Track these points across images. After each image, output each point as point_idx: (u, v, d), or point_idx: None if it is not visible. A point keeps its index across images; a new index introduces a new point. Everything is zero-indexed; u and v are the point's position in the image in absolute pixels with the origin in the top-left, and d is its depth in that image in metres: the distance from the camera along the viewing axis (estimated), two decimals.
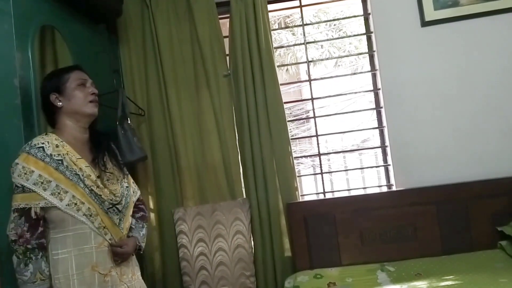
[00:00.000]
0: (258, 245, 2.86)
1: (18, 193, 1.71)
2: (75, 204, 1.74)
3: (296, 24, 4.82)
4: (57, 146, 1.78)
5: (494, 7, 2.94)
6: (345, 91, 3.31)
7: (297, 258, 2.83)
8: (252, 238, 2.88)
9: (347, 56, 5.99)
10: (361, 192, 3.35)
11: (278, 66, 3.05)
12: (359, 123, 4.19)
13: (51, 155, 1.75)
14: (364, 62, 5.90)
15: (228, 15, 3.01)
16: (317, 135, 3.16)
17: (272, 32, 3.01)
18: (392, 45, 3.00)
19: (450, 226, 2.81)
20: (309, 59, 3.20)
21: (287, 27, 5.95)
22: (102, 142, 1.95)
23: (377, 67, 3.06)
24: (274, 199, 2.89)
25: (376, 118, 3.18)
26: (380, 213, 2.85)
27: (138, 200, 2.09)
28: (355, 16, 3.37)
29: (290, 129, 3.07)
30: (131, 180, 2.09)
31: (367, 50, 3.17)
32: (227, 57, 3.01)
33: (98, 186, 1.81)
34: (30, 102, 1.94)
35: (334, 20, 4.74)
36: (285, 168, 2.92)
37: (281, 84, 3.04)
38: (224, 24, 3.09)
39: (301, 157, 4.40)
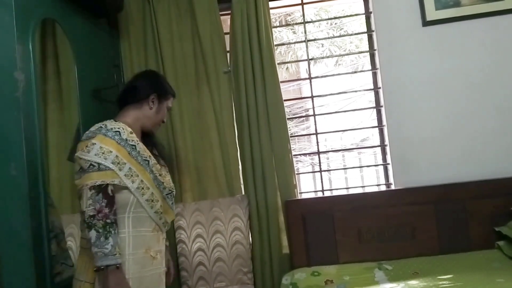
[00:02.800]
0: (256, 242, 2.87)
1: (94, 171, 1.79)
2: (142, 188, 1.88)
3: (297, 22, 4.81)
4: (131, 132, 1.92)
5: (495, 8, 2.94)
6: (345, 89, 3.30)
7: (294, 255, 2.84)
8: (250, 235, 2.89)
9: (347, 54, 5.99)
10: (359, 190, 3.35)
11: (278, 64, 3.05)
12: (358, 122, 4.20)
13: (126, 139, 1.88)
14: (364, 61, 5.90)
15: (229, 12, 3.01)
16: (316, 133, 3.16)
17: (273, 30, 3.01)
18: (393, 44, 3.00)
19: (447, 226, 2.82)
20: (310, 57, 3.20)
21: (288, 24, 5.95)
22: (151, 139, 2.12)
23: (377, 66, 3.06)
24: (273, 196, 2.89)
25: (376, 117, 3.18)
26: (378, 212, 2.85)
27: None
28: (356, 15, 3.37)
29: (289, 127, 3.07)
30: None
31: (367, 49, 3.17)
32: (228, 54, 3.01)
33: (160, 174, 1.99)
34: (30, 95, 1.94)
35: (335, 18, 4.74)
36: (284, 166, 2.92)
37: (281, 82, 3.04)
38: (225, 21, 3.10)
39: (300, 155, 4.40)
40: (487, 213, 2.80)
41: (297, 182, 3.00)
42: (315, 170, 3.19)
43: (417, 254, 2.77)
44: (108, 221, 1.76)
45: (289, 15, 6.30)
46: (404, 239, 2.82)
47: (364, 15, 3.18)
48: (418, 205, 2.84)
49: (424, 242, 2.81)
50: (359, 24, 3.53)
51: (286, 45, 6.31)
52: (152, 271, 1.93)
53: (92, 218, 1.75)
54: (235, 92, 2.96)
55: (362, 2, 3.17)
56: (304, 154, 4.83)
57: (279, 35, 6.65)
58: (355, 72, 3.51)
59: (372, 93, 3.19)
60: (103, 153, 1.81)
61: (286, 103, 3.02)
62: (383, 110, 3.05)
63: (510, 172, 2.86)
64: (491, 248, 2.76)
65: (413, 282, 2.40)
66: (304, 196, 3.20)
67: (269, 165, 2.89)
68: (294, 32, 6.80)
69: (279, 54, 6.54)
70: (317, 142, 3.18)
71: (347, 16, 3.65)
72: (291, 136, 3.04)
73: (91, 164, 1.79)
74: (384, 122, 3.05)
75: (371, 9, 3.08)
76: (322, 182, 3.17)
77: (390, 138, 3.01)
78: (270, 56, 2.92)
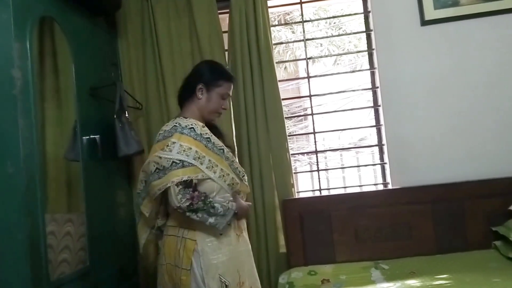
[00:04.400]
0: (253, 241, 2.86)
1: (178, 168, 1.92)
2: (223, 176, 2.03)
3: (295, 21, 4.81)
4: (203, 126, 2.04)
5: (493, 7, 2.94)
6: (343, 89, 3.30)
7: (291, 254, 2.84)
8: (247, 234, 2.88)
9: (346, 53, 5.99)
10: (357, 190, 3.35)
11: (277, 63, 3.05)
12: (356, 121, 4.19)
13: (200, 134, 2.00)
14: (363, 61, 5.89)
15: (227, 10, 3.01)
16: (314, 132, 3.16)
17: (272, 29, 3.00)
18: (391, 43, 3.00)
19: (445, 225, 2.82)
20: (308, 57, 3.20)
21: (286, 23, 5.94)
22: (215, 130, 2.18)
23: (376, 65, 3.06)
24: (270, 195, 2.89)
25: (374, 117, 3.18)
26: (376, 211, 2.86)
27: None
28: (355, 14, 3.37)
29: (287, 126, 3.07)
30: None
31: (366, 49, 3.17)
32: (226, 53, 3.01)
33: (233, 160, 2.13)
34: (27, 93, 1.93)
35: (333, 17, 4.74)
36: (282, 165, 2.92)
37: (280, 81, 3.04)
38: (224, 20, 3.09)
39: (298, 154, 4.40)
40: (484, 213, 2.81)
41: (294, 181, 2.99)
42: (313, 169, 3.18)
43: (414, 253, 2.77)
44: (202, 197, 1.93)
45: (288, 14, 6.29)
46: (401, 239, 2.83)
47: (362, 15, 3.18)
48: (415, 204, 2.84)
49: (421, 241, 2.81)
50: (358, 23, 3.52)
51: (284, 45, 6.30)
52: (241, 247, 2.12)
53: (191, 206, 1.90)
54: (233, 90, 2.94)
55: (361, 2, 3.17)
56: (302, 153, 4.83)
57: (278, 34, 6.63)
58: (353, 71, 3.50)
59: (370, 93, 3.19)
60: (184, 150, 1.93)
61: (284, 102, 3.02)
62: (380, 109, 3.05)
63: (507, 172, 2.86)
64: (488, 248, 2.77)
65: (409, 281, 2.41)
66: (302, 195, 3.20)
67: (266, 164, 2.89)
68: (293, 32, 6.79)
69: (278, 53, 6.53)
70: (315, 141, 3.18)
71: (345, 15, 3.64)
72: (289, 135, 3.04)
73: (173, 162, 1.92)
74: (382, 122, 3.05)
75: (369, 9, 3.08)
76: (319, 181, 3.17)
77: (388, 138, 3.01)
78: (268, 55, 2.92)
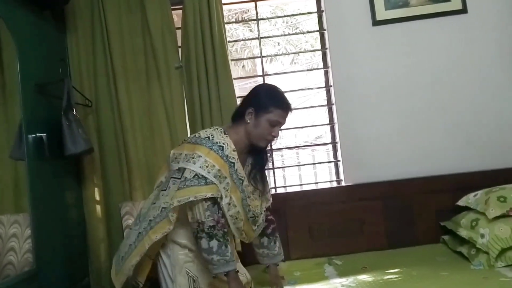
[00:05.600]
0: None
1: (202, 185, 1.87)
2: (229, 204, 1.94)
3: (251, 19, 4.80)
4: (233, 150, 1.98)
5: (442, 8, 3.02)
6: (299, 87, 3.32)
7: (246, 252, 2.83)
8: None
9: (300, 52, 6.04)
10: (313, 187, 3.38)
11: (232, 60, 3.03)
12: (313, 120, 4.24)
13: (227, 156, 1.95)
14: (319, 60, 5.98)
15: (181, 6, 2.96)
16: None
17: (229, 27, 2.98)
18: (344, 42, 3.04)
19: (395, 221, 2.89)
20: (263, 55, 3.20)
21: (241, 21, 5.94)
22: (261, 159, 2.12)
23: (329, 64, 3.10)
24: None
25: (328, 115, 3.22)
26: (329, 208, 2.90)
27: (267, 209, 2.23)
28: (308, 13, 3.39)
29: None
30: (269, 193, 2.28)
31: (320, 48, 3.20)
32: (179, 49, 2.96)
33: (249, 197, 2.04)
34: None
35: (287, 16, 4.76)
36: None
37: (235, 79, 3.02)
38: (177, 15, 3.04)
39: None
40: (433, 209, 2.90)
41: None
42: (269, 167, 3.19)
43: (366, 249, 2.83)
44: (226, 230, 1.90)
45: (246, 12, 6.30)
46: (354, 235, 2.88)
47: (316, 14, 3.20)
48: (367, 201, 2.90)
49: (372, 237, 2.87)
50: (314, 23, 3.56)
51: (242, 43, 6.30)
52: None
53: (212, 229, 1.86)
54: (187, 88, 2.92)
55: (315, 1, 3.20)
56: None
57: (235, 32, 6.64)
58: (308, 70, 3.53)
59: (325, 91, 3.22)
60: (207, 166, 1.89)
61: (239, 100, 3.00)
62: (334, 108, 3.09)
63: (455, 168, 2.95)
64: (436, 242, 2.86)
65: (361, 277, 2.44)
66: None
67: None
68: (250, 30, 6.81)
69: (235, 51, 6.52)
70: None
71: (299, 14, 3.66)
72: None
73: (196, 175, 1.88)
74: (336, 120, 3.09)
75: (323, 8, 3.11)
76: (275, 179, 3.18)
77: (341, 136, 3.05)
78: (223, 52, 2.90)
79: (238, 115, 2.07)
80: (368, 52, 3.03)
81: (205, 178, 1.87)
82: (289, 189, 3.43)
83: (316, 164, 3.48)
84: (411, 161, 3.00)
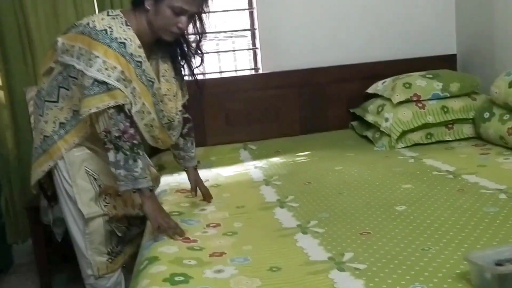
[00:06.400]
0: None
1: (103, 91, 1.56)
2: (143, 112, 1.67)
3: None
4: (139, 46, 1.63)
5: None
6: None
7: None
8: None
9: None
10: (230, 75, 3.35)
11: None
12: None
13: (131, 54, 1.61)
14: None
15: None
16: None
17: None
18: None
19: (309, 108, 2.99)
20: None
21: None
22: (173, 50, 1.79)
23: None
24: None
25: (247, 1, 3.12)
26: (246, 96, 2.93)
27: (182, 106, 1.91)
28: None
29: None
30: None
31: None
32: None
33: (162, 100, 1.75)
34: None
35: None
36: None
37: None
38: None
39: None
40: (344, 96, 3.02)
41: None
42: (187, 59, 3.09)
43: (280, 135, 2.94)
44: (135, 142, 1.60)
45: None
46: (269, 121, 2.96)
47: None
48: (283, 88, 2.95)
49: (287, 123, 2.98)
50: None
51: None
52: None
53: (118, 140, 1.58)
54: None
55: None
56: None
57: None
58: None
59: None
60: (106, 69, 1.55)
61: None
62: None
63: (365, 58, 3.05)
64: (346, 128, 3.02)
65: (274, 159, 2.56)
66: None
67: None
68: None
69: None
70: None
71: None
72: None
73: (95, 81, 1.55)
74: (255, 5, 3.01)
75: None
76: (191, 66, 3.10)
77: (260, 23, 3.00)
78: None
79: (136, 2, 1.68)
80: None
81: (106, 83, 1.55)
82: (207, 76, 3.39)
83: (236, 52, 3.41)
84: (326, 50, 3.04)
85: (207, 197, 1.95)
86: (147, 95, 1.68)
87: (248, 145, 2.82)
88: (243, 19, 3.17)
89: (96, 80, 1.55)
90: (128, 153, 1.59)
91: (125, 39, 1.60)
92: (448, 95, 2.61)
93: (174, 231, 1.58)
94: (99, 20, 1.61)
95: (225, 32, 3.27)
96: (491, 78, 2.52)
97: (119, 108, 1.58)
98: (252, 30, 3.11)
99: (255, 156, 2.64)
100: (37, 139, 1.76)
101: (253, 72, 3.16)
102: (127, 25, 1.63)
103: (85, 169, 1.73)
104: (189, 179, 2.00)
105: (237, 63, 3.65)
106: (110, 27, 1.59)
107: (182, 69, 1.88)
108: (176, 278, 1.28)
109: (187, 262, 1.39)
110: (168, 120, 1.79)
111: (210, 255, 1.43)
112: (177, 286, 1.24)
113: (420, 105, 2.58)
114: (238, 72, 3.27)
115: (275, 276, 1.28)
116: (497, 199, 1.69)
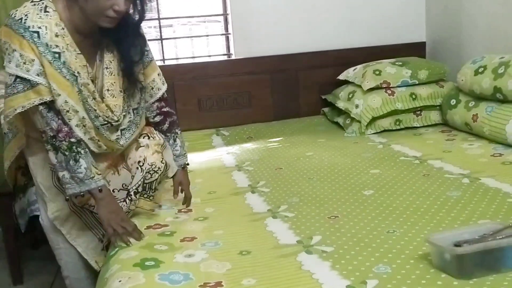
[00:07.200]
0: None
1: (28, 89, 1.40)
2: (67, 111, 1.45)
3: None
4: (56, 35, 1.42)
5: None
6: None
7: None
8: None
9: None
10: (202, 60, 3.34)
11: None
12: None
13: (47, 44, 1.41)
14: None
15: None
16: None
17: None
18: None
19: (281, 94, 3.02)
20: None
21: None
22: (126, 51, 1.55)
23: None
24: None
25: None
26: (219, 81, 2.93)
27: (158, 100, 1.74)
28: None
29: None
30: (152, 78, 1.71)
31: None
32: None
33: (94, 98, 1.51)
34: None
35: None
36: None
37: None
38: None
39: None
40: (316, 83, 3.05)
41: None
42: (156, 38, 3.07)
43: (253, 121, 2.95)
44: (73, 140, 1.46)
45: None
46: (242, 107, 2.98)
47: None
48: (255, 74, 2.96)
49: (259, 109, 2.99)
50: None
51: None
52: None
53: (54, 140, 1.44)
54: None
55: None
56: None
57: None
58: None
59: None
60: (24, 63, 1.38)
61: None
62: None
63: (337, 45, 3.08)
64: (317, 114, 3.06)
65: (246, 145, 2.58)
66: None
67: None
68: None
69: None
70: (158, 10, 3.02)
71: None
72: None
73: (17, 78, 1.39)
74: None
75: None
76: (163, 50, 3.09)
77: (232, 8, 2.99)
78: None
79: None
80: None
81: (28, 80, 1.39)
82: (180, 61, 3.37)
83: (209, 38, 3.39)
84: (299, 36, 3.05)
85: (186, 201, 1.75)
86: (70, 91, 1.45)
87: (220, 131, 2.83)
88: (217, 4, 3.15)
89: (17, 76, 1.40)
90: (67, 153, 1.45)
91: (39, 27, 1.40)
92: (417, 82, 2.67)
93: (130, 236, 1.47)
94: (21, 9, 1.43)
95: (198, 17, 3.24)
96: (458, 66, 2.58)
97: (47, 105, 1.44)
98: (225, 15, 3.10)
99: (228, 142, 2.66)
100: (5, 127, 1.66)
101: (225, 57, 3.16)
102: (45, 11, 1.42)
103: (50, 167, 1.60)
104: (173, 181, 1.77)
105: (210, 48, 3.63)
106: (26, 15, 1.40)
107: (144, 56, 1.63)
108: (147, 263, 1.30)
109: (158, 247, 1.41)
110: (106, 120, 1.54)
111: (181, 240, 1.45)
112: (147, 271, 1.26)
113: (389, 92, 2.63)
114: (211, 57, 3.26)
115: (245, 260, 1.31)
116: (460, 184, 1.76)
